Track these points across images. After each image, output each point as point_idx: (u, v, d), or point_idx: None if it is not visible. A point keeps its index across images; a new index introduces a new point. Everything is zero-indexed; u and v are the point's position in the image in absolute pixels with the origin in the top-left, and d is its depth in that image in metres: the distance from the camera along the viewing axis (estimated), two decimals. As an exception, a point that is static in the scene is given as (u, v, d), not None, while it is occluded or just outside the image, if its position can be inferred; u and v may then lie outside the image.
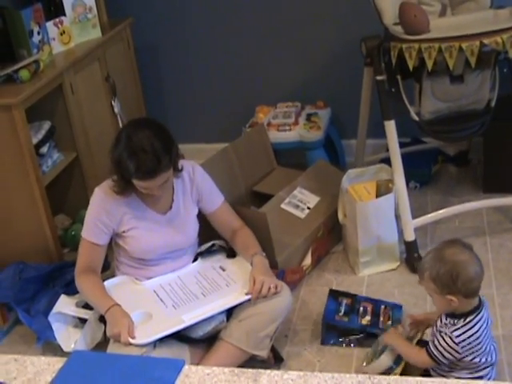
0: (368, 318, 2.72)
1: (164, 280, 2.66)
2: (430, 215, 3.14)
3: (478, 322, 2.15)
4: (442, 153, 3.86)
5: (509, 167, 3.39)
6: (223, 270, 2.69)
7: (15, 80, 2.99)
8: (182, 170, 2.60)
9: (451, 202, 3.44)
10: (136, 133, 2.43)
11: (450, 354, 2.15)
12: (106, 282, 2.62)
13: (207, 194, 2.74)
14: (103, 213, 2.57)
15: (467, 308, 2.17)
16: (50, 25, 3.31)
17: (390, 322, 2.68)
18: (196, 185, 2.70)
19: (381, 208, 3.01)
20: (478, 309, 2.17)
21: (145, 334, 2.36)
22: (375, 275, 3.06)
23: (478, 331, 2.14)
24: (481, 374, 2.20)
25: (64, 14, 3.41)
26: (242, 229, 2.79)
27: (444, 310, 2.22)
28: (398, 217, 3.05)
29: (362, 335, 2.67)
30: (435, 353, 2.18)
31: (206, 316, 2.44)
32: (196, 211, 2.74)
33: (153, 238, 2.61)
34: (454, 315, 2.19)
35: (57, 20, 3.36)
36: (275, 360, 2.62)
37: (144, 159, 2.39)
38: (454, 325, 2.16)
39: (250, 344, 2.48)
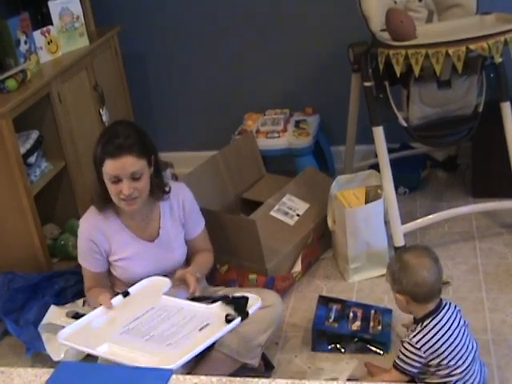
0: (358, 323, 2.71)
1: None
2: (419, 220, 3.15)
3: (435, 326, 2.20)
4: (431, 158, 3.87)
5: (497, 172, 3.39)
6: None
7: (2, 90, 2.99)
8: (169, 191, 2.54)
9: (440, 207, 3.44)
10: (114, 125, 2.52)
11: (415, 360, 2.19)
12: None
13: (191, 223, 2.66)
14: (91, 248, 2.51)
15: (421, 313, 2.24)
16: (37, 34, 3.31)
17: (379, 327, 2.68)
18: (185, 211, 2.62)
19: (370, 214, 3.01)
20: (433, 313, 2.22)
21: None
22: (365, 281, 3.06)
23: (436, 334, 2.19)
24: (452, 378, 2.21)
25: (51, 23, 3.41)
26: (207, 252, 2.71)
27: (401, 309, 2.31)
28: (387, 222, 3.06)
29: (354, 340, 2.67)
30: (402, 365, 2.22)
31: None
32: (183, 234, 2.66)
33: (141, 266, 2.53)
34: (415, 321, 2.26)
35: (44, 29, 3.36)
36: (266, 367, 2.61)
37: (116, 136, 2.40)
38: (413, 331, 2.22)
39: (242, 353, 2.46)
